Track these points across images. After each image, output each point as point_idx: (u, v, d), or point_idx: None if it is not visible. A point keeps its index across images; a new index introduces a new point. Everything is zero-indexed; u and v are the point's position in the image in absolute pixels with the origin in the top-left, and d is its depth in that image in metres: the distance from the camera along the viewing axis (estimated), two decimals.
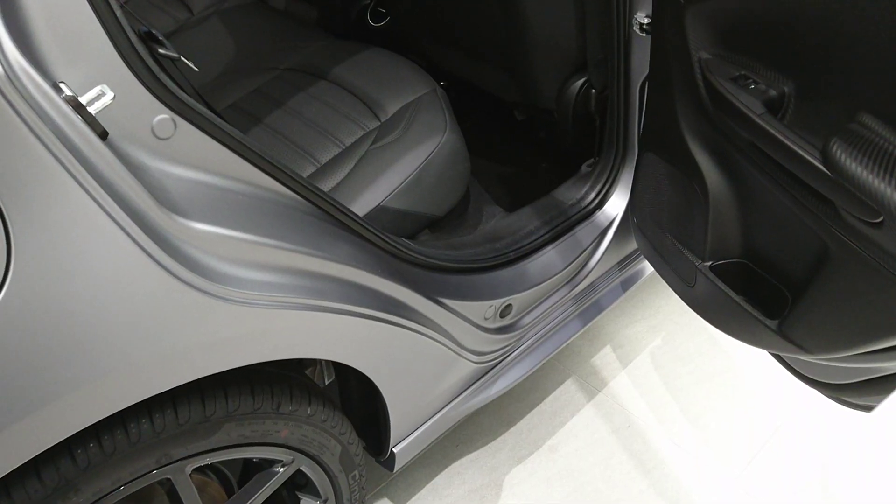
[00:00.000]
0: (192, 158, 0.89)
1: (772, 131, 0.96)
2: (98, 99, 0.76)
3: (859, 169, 0.83)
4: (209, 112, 0.88)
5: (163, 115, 0.85)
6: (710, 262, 1.23)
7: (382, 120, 1.49)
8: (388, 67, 1.62)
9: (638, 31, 1.35)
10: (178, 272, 0.79)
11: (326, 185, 1.38)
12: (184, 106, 0.86)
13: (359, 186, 1.35)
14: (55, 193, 0.70)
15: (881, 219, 0.83)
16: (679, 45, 1.13)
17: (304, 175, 1.42)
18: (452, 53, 1.84)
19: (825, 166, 0.88)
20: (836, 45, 0.87)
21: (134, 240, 0.74)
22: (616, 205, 1.61)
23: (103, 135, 0.76)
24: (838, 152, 0.85)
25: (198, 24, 1.93)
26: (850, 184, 0.84)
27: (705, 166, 1.19)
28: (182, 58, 1.00)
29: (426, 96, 1.53)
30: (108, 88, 0.77)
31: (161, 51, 0.93)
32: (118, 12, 0.78)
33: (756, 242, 1.17)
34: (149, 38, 0.94)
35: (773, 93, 0.98)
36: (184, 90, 1.04)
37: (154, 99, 0.84)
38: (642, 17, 1.33)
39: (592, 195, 1.62)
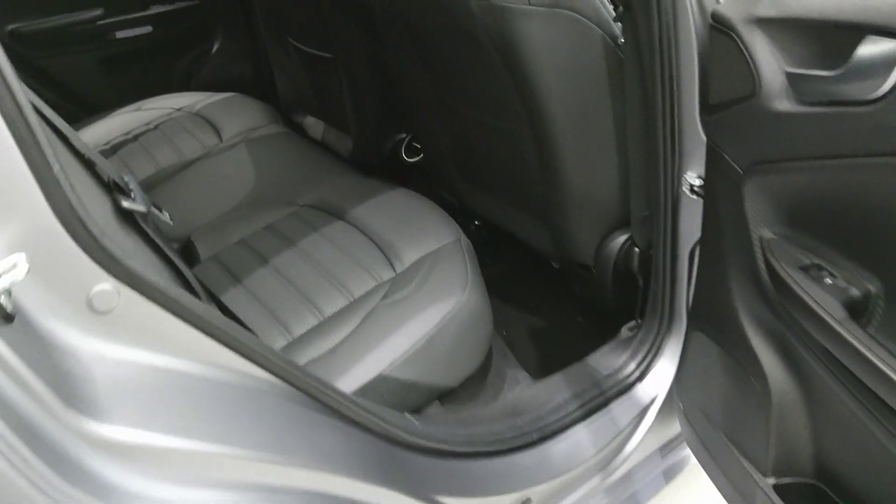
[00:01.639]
0: (136, 335, 0.74)
1: (853, 342, 0.76)
2: (6, 273, 0.62)
3: None
4: (159, 281, 0.73)
5: (103, 286, 0.71)
6: (775, 480, 1.00)
7: (398, 271, 1.35)
8: (412, 211, 1.49)
9: (688, 192, 1.19)
10: (74, 499, 0.62)
11: (327, 343, 1.21)
12: (131, 274, 0.72)
13: (361, 348, 1.18)
14: None
15: None
16: (736, 218, 0.96)
17: (306, 328, 1.27)
18: (485, 196, 1.71)
19: None
20: None
21: (11, 462, 0.58)
22: (659, 379, 1.40)
23: (7, 318, 0.62)
24: None
25: (224, 151, 1.86)
26: None
27: (766, 360, 0.99)
28: (153, 209, 0.87)
29: (448, 247, 1.38)
30: (24, 259, 0.63)
31: (125, 204, 0.80)
32: (56, 167, 0.66)
33: (833, 462, 0.94)
34: (115, 189, 0.82)
35: (854, 292, 0.80)
36: (158, 243, 0.91)
37: (95, 265, 0.70)
38: (693, 178, 1.18)
39: (633, 366, 1.42)
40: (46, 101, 2.34)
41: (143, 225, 0.83)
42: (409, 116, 1.91)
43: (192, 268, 1.48)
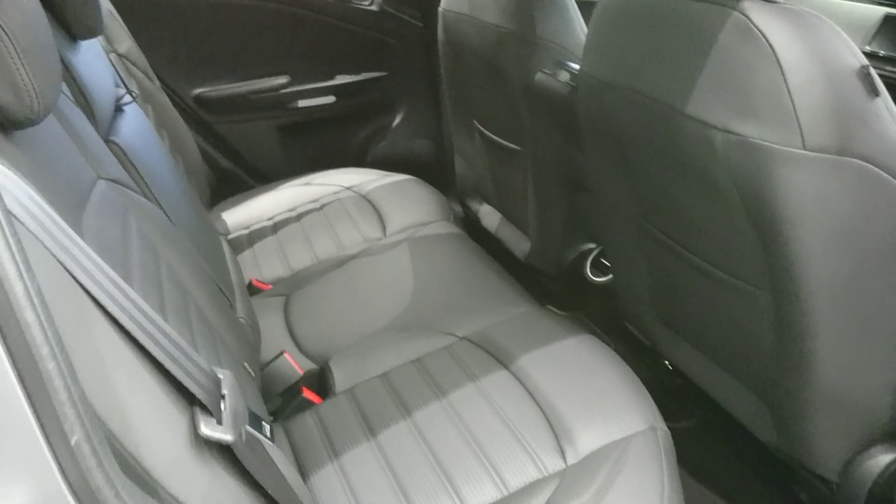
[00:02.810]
0: None
1: None
2: None
3: None
4: None
5: None
6: None
7: (569, 462, 1.03)
8: (597, 376, 1.17)
9: None
10: None
11: None
12: None
13: None
14: None
15: None
16: None
17: None
18: (688, 350, 1.35)
19: None
20: None
21: None
22: None
23: None
24: None
25: (385, 249, 1.66)
26: None
27: None
28: (249, 429, 0.63)
29: (641, 437, 1.05)
30: None
31: (205, 431, 0.56)
32: (75, 436, 0.43)
33: None
34: (198, 404, 0.58)
35: None
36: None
37: None
38: None
39: None
40: (223, 169, 2.26)
41: (234, 451, 0.60)
42: (601, 231, 1.60)
43: (326, 399, 1.26)
